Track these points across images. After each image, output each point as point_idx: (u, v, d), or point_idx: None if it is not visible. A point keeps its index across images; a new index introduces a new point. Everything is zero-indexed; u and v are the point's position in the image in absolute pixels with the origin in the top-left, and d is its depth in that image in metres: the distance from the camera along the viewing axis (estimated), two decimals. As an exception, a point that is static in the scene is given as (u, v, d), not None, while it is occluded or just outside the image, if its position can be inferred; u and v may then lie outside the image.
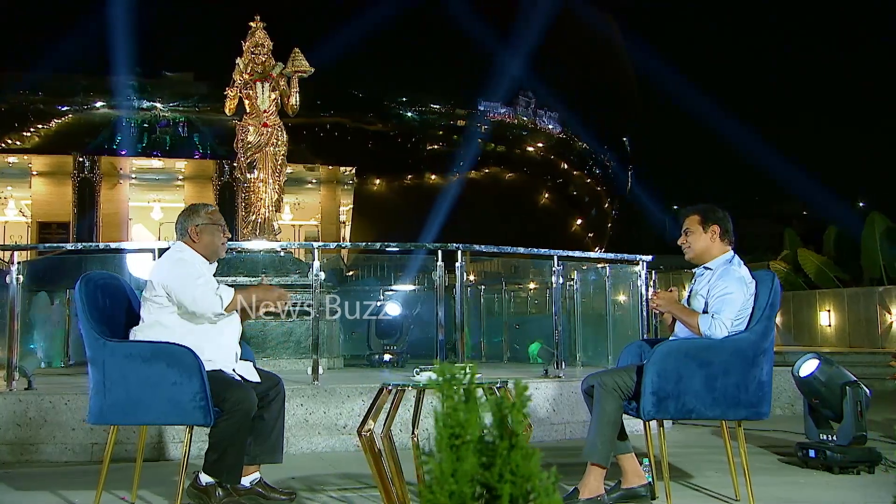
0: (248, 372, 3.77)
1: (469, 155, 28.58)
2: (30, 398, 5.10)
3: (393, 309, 8.80)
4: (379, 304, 8.84)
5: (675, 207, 34.87)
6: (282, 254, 8.23)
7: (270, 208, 8.10)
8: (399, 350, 8.53)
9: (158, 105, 25.83)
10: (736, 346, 3.62)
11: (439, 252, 5.96)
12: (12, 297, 5.46)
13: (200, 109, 25.50)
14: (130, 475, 3.91)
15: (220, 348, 3.71)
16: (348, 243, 19.02)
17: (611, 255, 8.44)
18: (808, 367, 4.73)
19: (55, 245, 15.41)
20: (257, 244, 7.93)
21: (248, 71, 8.11)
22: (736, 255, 3.82)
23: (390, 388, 3.50)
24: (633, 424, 4.76)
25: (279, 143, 8.12)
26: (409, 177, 29.40)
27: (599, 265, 8.83)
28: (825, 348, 14.71)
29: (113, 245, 8.56)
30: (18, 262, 5.53)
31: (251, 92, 8.09)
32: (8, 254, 6.03)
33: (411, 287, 11.57)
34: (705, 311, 3.71)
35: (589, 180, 32.88)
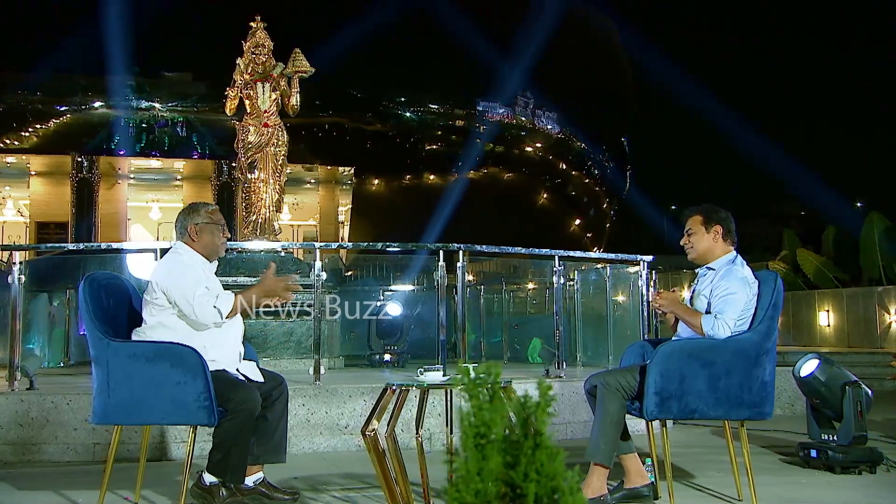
0: (252, 372, 3.78)
1: (468, 155, 28.59)
2: (32, 398, 5.10)
3: (393, 309, 8.80)
4: (379, 304, 8.84)
5: (674, 208, 34.96)
6: (282, 254, 8.24)
7: (271, 208, 8.11)
8: (399, 350, 8.54)
9: (157, 105, 25.82)
10: (739, 346, 3.62)
11: (441, 252, 5.96)
12: (14, 298, 5.46)
13: (199, 109, 25.50)
14: (133, 475, 3.91)
15: (223, 348, 3.71)
16: (350, 244, 18.99)
17: (612, 256, 8.43)
18: (809, 367, 4.74)
19: (56, 245, 15.37)
20: (258, 244, 7.93)
21: (249, 71, 8.11)
22: (739, 256, 3.83)
23: (394, 388, 3.50)
24: (635, 424, 4.78)
25: (280, 143, 8.12)
26: (408, 177, 29.41)
27: (599, 265, 8.84)
28: (824, 348, 14.72)
29: (114, 245, 8.55)
30: (20, 262, 5.53)
31: (252, 92, 8.09)
32: (7, 254, 6.02)
33: (410, 287, 11.56)
34: (708, 312, 3.71)
35: (587, 180, 32.90)
